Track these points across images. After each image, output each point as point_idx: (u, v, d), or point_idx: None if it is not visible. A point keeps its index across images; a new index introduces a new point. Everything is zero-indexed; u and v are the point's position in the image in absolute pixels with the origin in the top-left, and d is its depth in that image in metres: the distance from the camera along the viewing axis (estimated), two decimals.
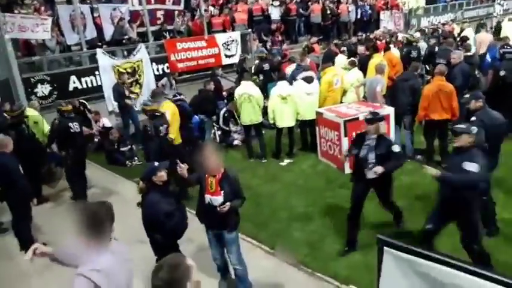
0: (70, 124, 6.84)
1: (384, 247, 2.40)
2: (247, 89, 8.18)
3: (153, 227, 4.04)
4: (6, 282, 5.11)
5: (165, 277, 1.86)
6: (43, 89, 9.49)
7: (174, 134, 7.35)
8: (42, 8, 12.26)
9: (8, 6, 11.41)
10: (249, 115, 8.19)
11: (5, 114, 7.12)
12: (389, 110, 7.60)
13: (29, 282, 5.05)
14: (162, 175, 4.05)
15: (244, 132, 8.73)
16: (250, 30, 13.83)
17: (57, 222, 6.00)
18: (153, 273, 1.90)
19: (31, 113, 7.41)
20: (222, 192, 3.99)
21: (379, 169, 4.67)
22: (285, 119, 8.15)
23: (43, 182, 7.21)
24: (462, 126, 4.22)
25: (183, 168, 4.14)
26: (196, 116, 9.18)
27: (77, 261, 2.40)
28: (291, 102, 8.07)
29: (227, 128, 9.66)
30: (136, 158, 8.87)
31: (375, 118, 4.93)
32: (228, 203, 3.98)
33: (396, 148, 4.82)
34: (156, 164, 4.13)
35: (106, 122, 9.86)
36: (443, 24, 17.57)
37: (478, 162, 3.97)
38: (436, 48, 10.93)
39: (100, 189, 7.61)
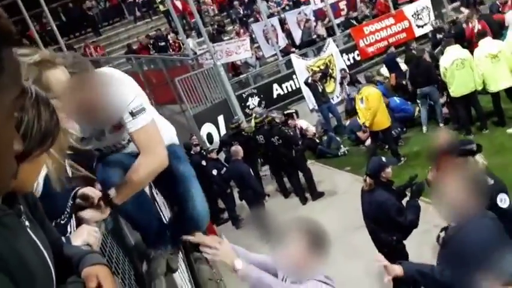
0: None
1: None
2: (458, 54, 7.19)
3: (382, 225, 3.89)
4: None
5: None
6: (253, 101, 10.75)
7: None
8: (242, 31, 13.86)
9: (215, 37, 13.39)
10: (465, 83, 7.15)
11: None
12: None
13: None
14: (390, 172, 3.88)
15: (452, 106, 7.79)
16: None
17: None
18: None
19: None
20: None
21: None
22: (498, 80, 7.00)
23: None
24: None
25: None
26: (395, 98, 8.90)
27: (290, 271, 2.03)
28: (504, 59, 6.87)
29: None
30: (342, 147, 9.02)
31: None
32: None
33: None
34: (384, 159, 4.01)
35: (303, 123, 9.70)
36: None
37: None
38: None
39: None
